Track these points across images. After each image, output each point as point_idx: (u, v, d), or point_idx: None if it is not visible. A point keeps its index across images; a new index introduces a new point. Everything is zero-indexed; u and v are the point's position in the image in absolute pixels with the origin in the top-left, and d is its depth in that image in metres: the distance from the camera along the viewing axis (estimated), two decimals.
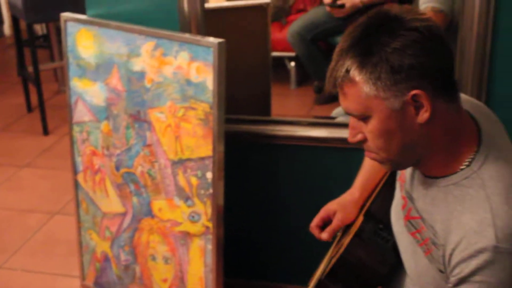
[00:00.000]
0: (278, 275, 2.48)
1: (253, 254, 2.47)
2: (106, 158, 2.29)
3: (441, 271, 1.24)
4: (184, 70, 1.97)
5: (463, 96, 1.30)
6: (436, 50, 1.15)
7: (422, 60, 1.12)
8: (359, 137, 1.23)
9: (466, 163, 1.21)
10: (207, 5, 2.17)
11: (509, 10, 1.89)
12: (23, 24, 4.17)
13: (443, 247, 1.21)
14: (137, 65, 2.09)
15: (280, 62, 3.96)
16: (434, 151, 1.21)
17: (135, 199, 2.23)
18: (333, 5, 3.15)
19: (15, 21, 4.22)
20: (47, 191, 3.40)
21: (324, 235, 1.58)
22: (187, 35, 2.01)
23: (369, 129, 1.19)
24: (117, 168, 2.25)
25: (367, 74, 1.13)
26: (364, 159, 1.62)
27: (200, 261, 2.10)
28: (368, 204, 1.58)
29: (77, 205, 2.46)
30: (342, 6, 3.12)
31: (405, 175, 1.39)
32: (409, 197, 1.35)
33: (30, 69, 4.09)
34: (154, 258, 2.24)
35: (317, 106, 3.66)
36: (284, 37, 3.64)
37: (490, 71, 1.96)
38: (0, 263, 2.81)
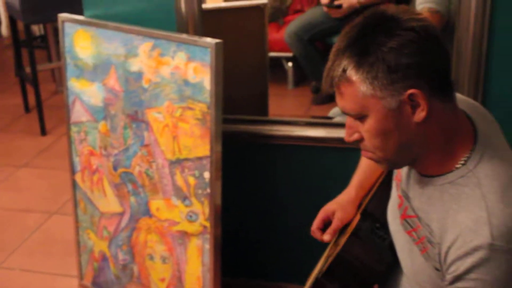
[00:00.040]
0: (275, 275, 2.48)
1: (250, 253, 2.48)
2: (103, 158, 2.29)
3: (437, 269, 1.25)
4: (182, 71, 1.97)
5: (459, 96, 1.31)
6: (433, 50, 1.16)
7: (419, 60, 1.13)
8: (355, 136, 1.23)
9: (462, 162, 1.21)
10: (204, 6, 2.18)
11: (505, 11, 1.90)
12: (20, 25, 4.17)
13: (439, 245, 1.22)
14: (135, 65, 2.10)
15: (277, 63, 3.96)
16: (430, 150, 1.22)
17: (132, 199, 2.24)
18: (330, 5, 3.16)
19: (12, 21, 4.22)
20: (45, 191, 3.41)
21: (326, 237, 1.58)
22: (184, 36, 2.02)
23: (366, 129, 1.20)
24: (115, 168, 2.26)
25: (364, 74, 1.14)
26: (361, 158, 1.63)
27: (197, 261, 2.10)
28: (365, 203, 1.58)
29: (75, 205, 2.46)
30: (339, 6, 3.13)
31: (401, 174, 1.39)
32: (405, 196, 1.36)
33: (28, 69, 4.10)
34: (152, 258, 2.24)
35: (315, 106, 3.67)
36: (282, 38, 3.64)
37: (486, 71, 1.97)
38: None
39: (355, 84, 1.15)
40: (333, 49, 1.19)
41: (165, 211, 2.14)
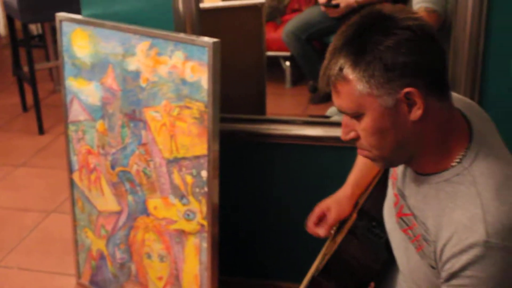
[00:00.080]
0: (273, 273, 2.49)
1: (248, 252, 2.48)
2: (101, 157, 2.29)
3: (432, 267, 1.26)
4: (179, 70, 1.98)
5: (454, 95, 1.31)
6: (429, 49, 1.16)
7: (415, 58, 1.14)
8: (352, 135, 1.24)
9: (457, 160, 1.22)
10: (202, 5, 2.18)
11: (502, 10, 1.91)
12: (18, 24, 4.17)
13: (434, 243, 1.22)
14: (132, 64, 2.10)
15: (275, 62, 3.97)
16: (426, 148, 1.23)
17: (130, 198, 2.24)
18: (328, 5, 3.16)
19: (10, 21, 4.22)
20: (43, 190, 3.41)
21: (321, 231, 1.60)
22: (182, 35, 2.02)
23: (362, 127, 1.20)
24: (113, 167, 2.26)
25: (360, 72, 1.15)
26: (357, 156, 1.64)
27: (195, 259, 2.11)
28: (361, 202, 1.59)
29: (73, 203, 2.47)
30: (337, 6, 3.13)
31: (397, 172, 1.40)
32: (401, 195, 1.36)
33: (26, 68, 4.10)
34: (149, 256, 2.25)
35: (312, 105, 3.67)
36: (279, 37, 3.65)
37: (483, 71, 1.97)
38: None
39: (352, 82, 1.16)
40: (330, 48, 1.19)
41: (163, 209, 2.14)
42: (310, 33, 3.50)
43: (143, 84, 2.08)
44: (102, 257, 2.42)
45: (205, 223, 2.04)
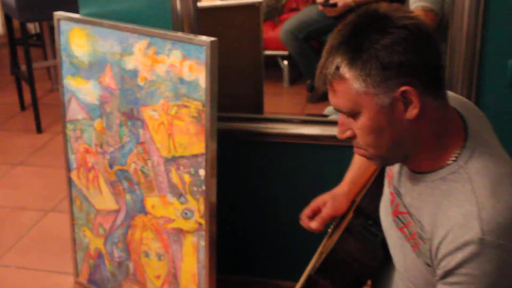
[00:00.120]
0: (270, 272, 2.49)
1: (246, 250, 2.49)
2: (99, 155, 2.30)
3: (428, 265, 1.26)
4: (177, 69, 1.98)
5: (450, 94, 1.32)
6: (425, 48, 1.17)
7: (411, 57, 1.14)
8: (348, 133, 1.24)
9: (453, 159, 1.22)
10: (199, 4, 2.19)
11: (499, 9, 1.91)
12: (16, 23, 4.17)
13: (430, 241, 1.23)
14: (130, 63, 2.10)
15: (273, 61, 3.98)
16: (422, 147, 1.23)
17: (128, 196, 2.25)
18: (325, 4, 3.17)
19: (8, 19, 4.22)
20: (41, 189, 3.41)
21: (314, 224, 1.61)
22: (179, 34, 2.03)
23: (359, 126, 1.21)
24: (111, 165, 2.27)
25: (357, 71, 1.15)
26: (354, 155, 1.64)
27: (193, 258, 2.11)
28: (358, 200, 1.60)
29: (71, 202, 2.47)
30: (334, 5, 3.14)
31: (393, 171, 1.41)
32: (396, 193, 1.37)
33: (23, 67, 4.10)
34: (147, 255, 2.25)
35: (310, 104, 3.68)
36: (277, 36, 3.66)
37: (479, 70, 1.98)
38: None
39: (348, 81, 1.16)
40: (326, 47, 1.20)
41: (161, 208, 2.15)
42: (308, 32, 3.50)
43: (141, 83, 2.09)
44: (100, 255, 2.42)
45: (203, 221, 2.05)
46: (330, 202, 1.62)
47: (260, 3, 2.64)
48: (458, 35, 1.95)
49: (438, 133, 1.22)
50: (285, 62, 3.93)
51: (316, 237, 1.73)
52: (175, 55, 1.98)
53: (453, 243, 1.16)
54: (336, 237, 1.51)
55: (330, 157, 2.25)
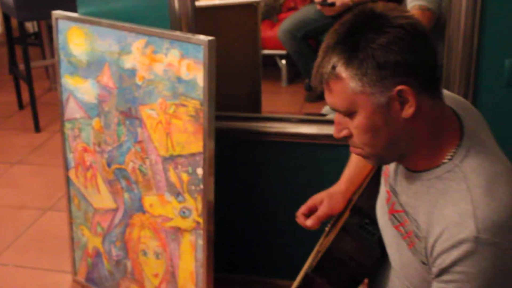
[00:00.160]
0: (268, 270, 2.50)
1: (243, 249, 2.49)
2: (97, 154, 2.30)
3: (423, 263, 1.27)
4: (175, 68, 1.99)
5: (446, 93, 1.33)
6: (421, 47, 1.17)
7: (408, 57, 1.15)
8: (344, 132, 1.25)
9: (449, 157, 1.23)
10: (197, 3, 2.19)
11: (496, 8, 1.92)
12: (14, 22, 4.17)
13: (426, 239, 1.23)
14: (128, 62, 2.11)
15: (271, 60, 3.98)
16: (417, 146, 1.23)
17: (126, 195, 2.25)
18: (323, 3, 3.17)
19: (6, 19, 4.22)
20: (39, 188, 3.41)
21: (309, 222, 1.61)
22: (177, 33, 2.03)
23: (355, 125, 1.21)
24: (109, 164, 2.27)
25: (353, 70, 1.15)
26: (351, 154, 1.65)
27: (191, 256, 2.12)
28: (354, 199, 1.60)
29: (69, 201, 2.48)
30: (332, 4, 3.14)
31: (389, 169, 1.41)
32: (392, 191, 1.37)
33: (22, 66, 4.10)
34: (145, 253, 2.26)
35: (308, 103, 3.69)
36: (275, 35, 3.66)
37: (477, 69, 1.98)
38: None
39: (345, 80, 1.17)
40: (323, 46, 1.20)
41: (159, 207, 2.15)
42: (306, 32, 3.51)
43: (139, 82, 2.09)
44: (98, 254, 2.43)
45: (200, 220, 2.05)
46: (327, 200, 1.63)
47: (258, 2, 2.65)
48: (456, 34, 1.95)
49: (434, 132, 1.23)
50: (283, 61, 3.94)
51: (313, 236, 1.73)
52: (173, 54, 1.98)
53: (448, 241, 1.16)
54: (332, 235, 1.51)
55: (328, 156, 2.25)
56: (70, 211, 2.49)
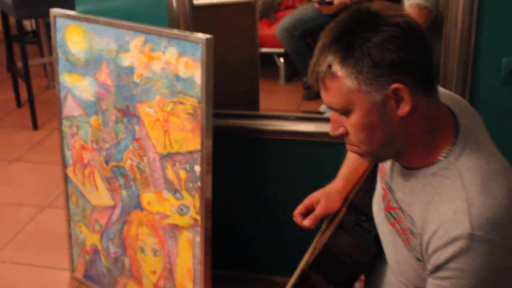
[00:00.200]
0: (265, 267, 2.50)
1: (241, 246, 2.50)
2: (95, 152, 2.31)
3: (419, 260, 1.27)
4: (173, 66, 1.99)
5: (442, 90, 1.33)
6: (416, 45, 1.18)
7: (403, 55, 1.15)
8: (340, 130, 1.25)
9: (444, 155, 1.23)
10: (195, 2, 2.19)
11: (493, 7, 1.92)
12: (12, 20, 4.17)
13: (421, 236, 1.24)
14: (126, 60, 2.11)
15: (269, 58, 3.99)
16: (413, 143, 1.24)
17: (124, 192, 2.26)
18: (321, 2, 3.18)
19: (4, 17, 4.22)
20: (37, 185, 3.42)
21: (306, 222, 1.62)
22: (175, 31, 2.04)
23: (351, 123, 1.22)
24: (106, 162, 2.28)
25: (349, 69, 1.16)
26: (348, 151, 1.65)
27: (188, 253, 2.12)
28: (351, 196, 1.61)
29: (67, 198, 2.48)
30: (330, 3, 3.15)
31: (385, 167, 1.42)
32: (388, 188, 1.38)
33: (20, 64, 4.10)
34: (143, 250, 2.26)
35: (306, 101, 3.70)
36: (273, 34, 3.67)
37: (474, 66, 1.99)
38: None
39: (341, 79, 1.17)
40: (318, 45, 1.21)
41: (156, 204, 2.16)
42: (304, 30, 3.52)
43: (137, 80, 2.09)
44: (96, 251, 2.43)
45: (198, 217, 2.06)
46: (324, 200, 1.63)
47: (256, 1, 2.65)
48: (453, 33, 1.96)
49: (430, 129, 1.24)
50: (281, 60, 3.95)
51: (311, 233, 1.73)
52: (171, 52, 1.99)
53: (443, 238, 1.17)
54: (329, 233, 1.52)
55: (325, 154, 2.26)
56: (68, 208, 2.49)
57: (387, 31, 1.15)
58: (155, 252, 2.23)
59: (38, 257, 2.80)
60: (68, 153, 2.41)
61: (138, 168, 2.17)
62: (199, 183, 2.02)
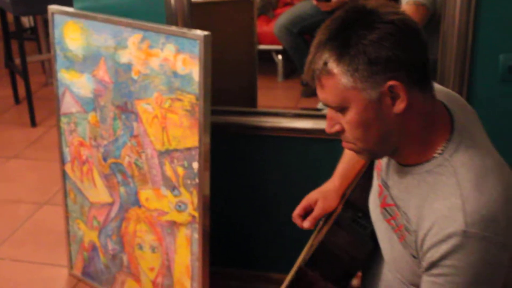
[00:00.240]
0: (263, 264, 2.51)
1: (239, 243, 2.50)
2: (93, 148, 2.31)
3: (414, 257, 1.28)
4: (171, 62, 1.99)
5: (438, 87, 1.34)
6: (412, 43, 1.18)
7: (399, 52, 1.15)
8: (336, 128, 1.26)
9: (439, 152, 1.24)
10: None
11: (490, 4, 1.92)
12: (10, 17, 4.17)
13: (416, 233, 1.24)
14: (124, 57, 2.11)
15: (267, 55, 3.99)
16: (409, 140, 1.24)
17: (122, 189, 2.26)
18: None
19: (2, 13, 4.22)
20: (35, 182, 3.42)
21: (306, 224, 1.62)
22: (173, 28, 2.04)
23: (347, 120, 1.22)
24: (105, 158, 2.28)
25: (345, 66, 1.16)
26: (344, 149, 1.66)
27: (186, 250, 2.13)
28: (348, 193, 1.61)
29: (65, 195, 2.48)
30: (328, 0, 3.15)
31: (381, 164, 1.42)
32: (384, 185, 1.38)
33: (18, 61, 4.10)
34: (141, 247, 2.27)
35: (304, 98, 3.70)
36: (271, 30, 3.67)
37: (471, 64, 1.99)
38: None
39: (336, 76, 1.18)
40: (314, 42, 1.21)
41: (154, 201, 2.16)
42: (302, 27, 3.52)
43: (135, 77, 2.10)
44: (94, 248, 2.44)
45: (196, 214, 2.06)
46: (321, 200, 1.63)
47: None
48: (450, 30, 1.96)
49: (425, 126, 1.24)
50: (279, 57, 3.95)
51: (308, 230, 1.74)
52: (169, 49, 1.99)
53: (437, 235, 1.18)
54: (326, 229, 1.52)
55: (323, 151, 2.26)
56: (66, 205, 2.49)
57: (383, 28, 1.15)
58: (153, 249, 2.23)
59: (37, 254, 2.81)
60: (66, 150, 2.42)
61: (136, 165, 2.18)
62: (197, 180, 2.02)
